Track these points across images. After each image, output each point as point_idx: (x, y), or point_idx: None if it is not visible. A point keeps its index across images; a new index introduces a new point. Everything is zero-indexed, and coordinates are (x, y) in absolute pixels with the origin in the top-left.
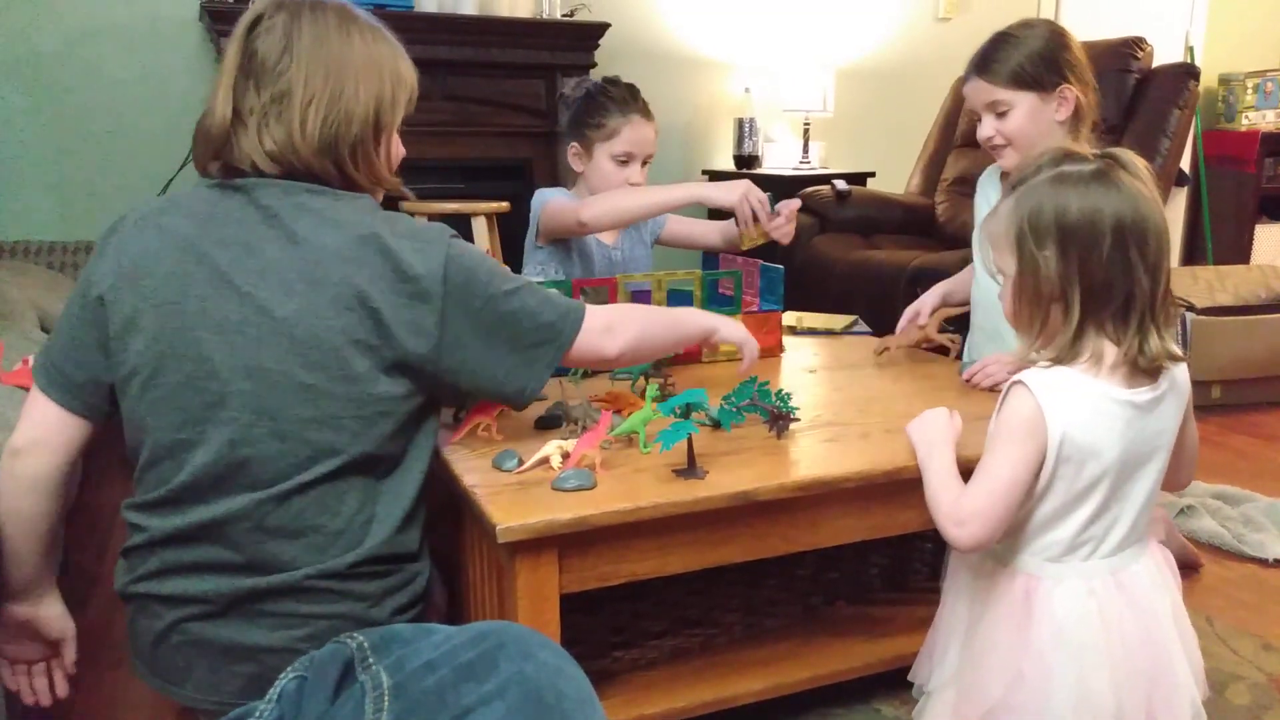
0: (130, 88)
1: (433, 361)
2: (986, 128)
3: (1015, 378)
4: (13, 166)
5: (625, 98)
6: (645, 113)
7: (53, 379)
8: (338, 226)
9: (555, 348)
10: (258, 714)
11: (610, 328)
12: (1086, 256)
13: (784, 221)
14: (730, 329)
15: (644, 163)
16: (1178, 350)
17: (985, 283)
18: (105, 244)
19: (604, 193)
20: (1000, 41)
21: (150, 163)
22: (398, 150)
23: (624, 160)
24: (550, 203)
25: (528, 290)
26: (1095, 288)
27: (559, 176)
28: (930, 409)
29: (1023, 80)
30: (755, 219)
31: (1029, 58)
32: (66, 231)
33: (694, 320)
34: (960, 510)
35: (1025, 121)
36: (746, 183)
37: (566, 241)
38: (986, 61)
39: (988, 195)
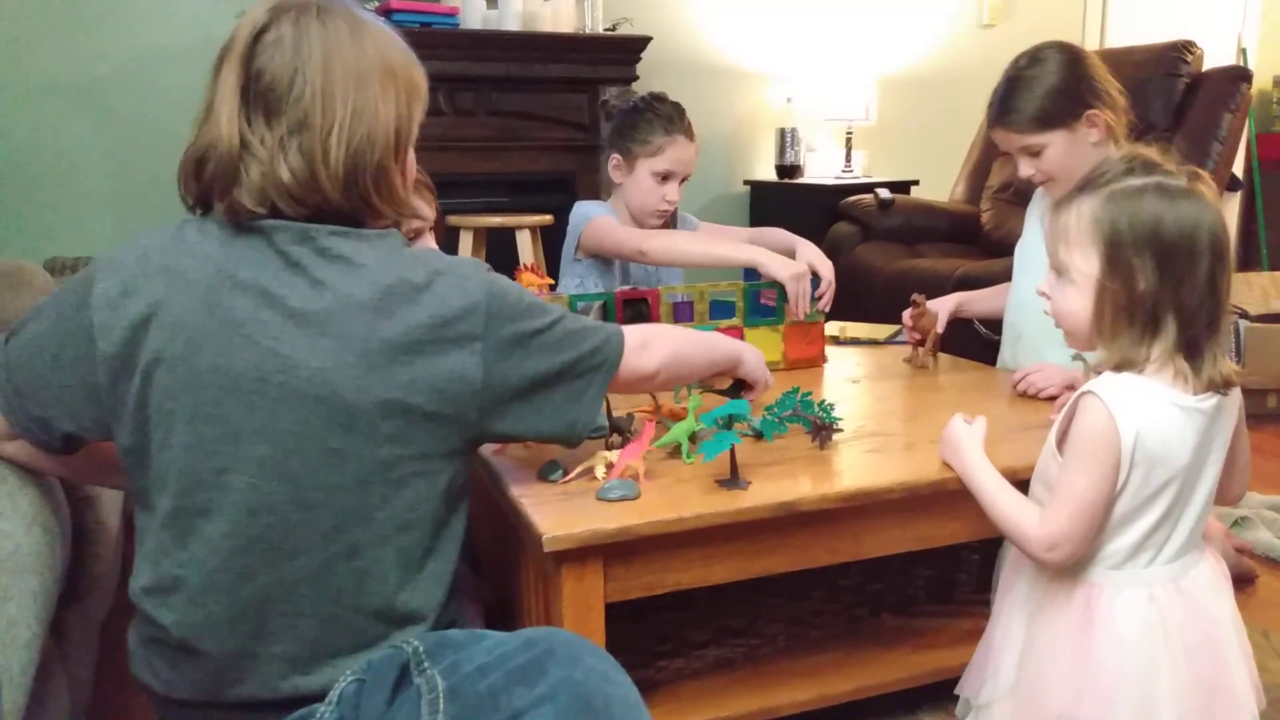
0: (187, 108)
1: (475, 408)
2: (1025, 168)
3: (1084, 388)
4: (74, 185)
5: (673, 116)
6: (689, 133)
7: (9, 405)
8: (365, 273)
9: (603, 374)
10: (318, 716)
11: (646, 344)
12: (1185, 275)
13: (823, 303)
14: (753, 362)
15: (682, 181)
16: (1236, 372)
17: (1026, 294)
18: (105, 284)
19: (673, 231)
20: (1014, 86)
21: None
22: (412, 169)
23: (664, 177)
24: (598, 221)
25: (569, 319)
26: (1191, 306)
27: (601, 189)
28: (949, 425)
29: (1047, 121)
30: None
31: (1048, 97)
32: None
33: (723, 344)
34: (1050, 535)
35: (1061, 157)
36: (805, 267)
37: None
38: (1005, 110)
39: (1040, 213)
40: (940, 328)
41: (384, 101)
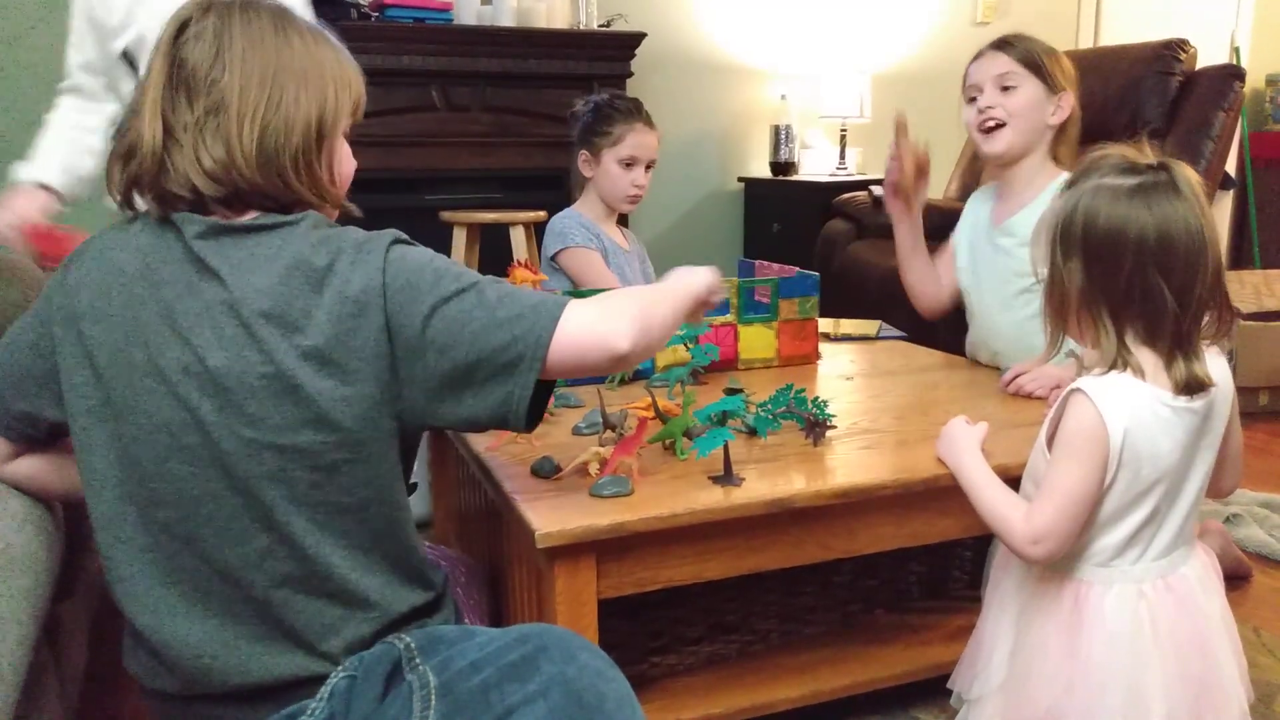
0: None
1: (391, 388)
2: (986, 98)
3: (1072, 385)
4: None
5: (630, 108)
6: (648, 121)
7: None
8: (266, 261)
9: (531, 357)
10: (310, 711)
11: (605, 315)
12: (1107, 274)
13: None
14: (711, 278)
15: (647, 167)
16: (1210, 379)
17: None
18: (63, 275)
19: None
20: (1021, 34)
21: None
22: (348, 164)
23: (629, 164)
24: (580, 256)
25: (488, 285)
26: (1118, 305)
27: (574, 188)
28: (948, 423)
29: (1037, 65)
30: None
31: (1047, 53)
32: None
33: (683, 286)
34: (1034, 530)
35: (1027, 104)
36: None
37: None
38: (1007, 41)
39: (976, 212)
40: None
41: (304, 93)
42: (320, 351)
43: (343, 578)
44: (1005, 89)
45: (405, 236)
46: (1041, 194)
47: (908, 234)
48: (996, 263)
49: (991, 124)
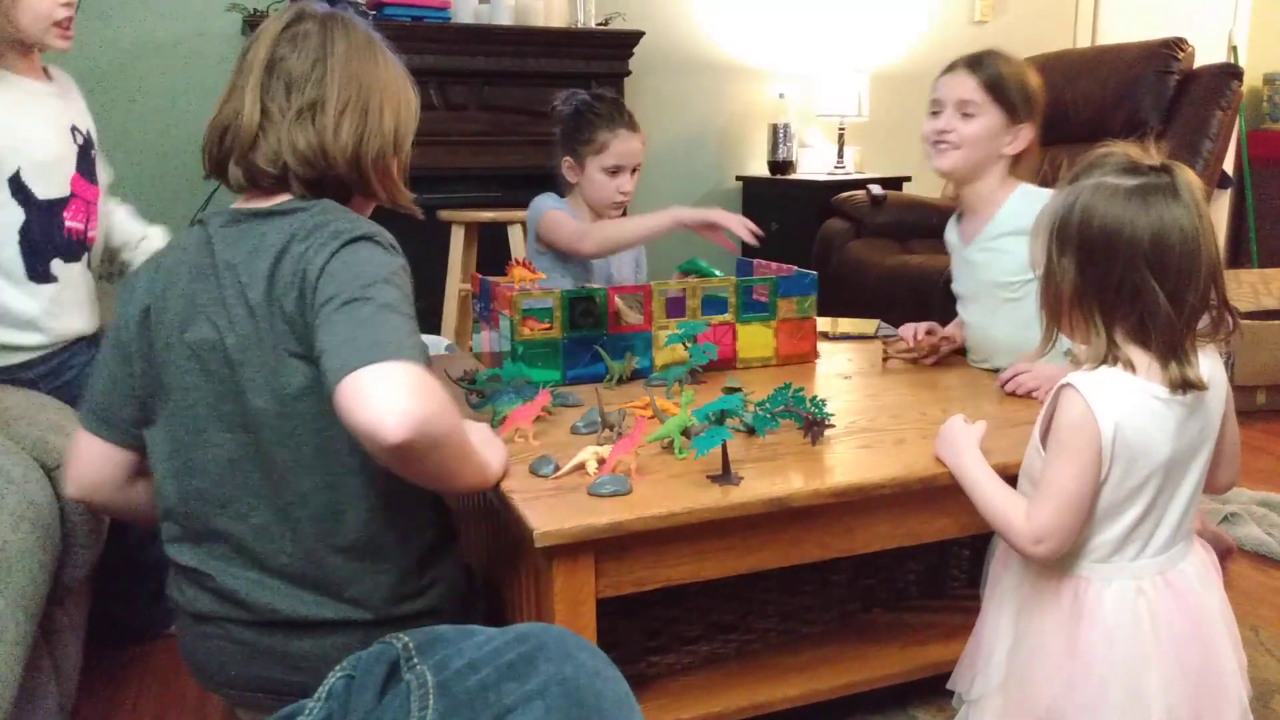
0: (177, 102)
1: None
2: (944, 121)
3: (1063, 381)
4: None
5: (612, 113)
6: (631, 125)
7: (101, 418)
8: (270, 246)
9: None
10: (307, 711)
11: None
12: (1100, 272)
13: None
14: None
15: (632, 171)
16: (1203, 382)
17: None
18: (128, 286)
19: (604, 223)
20: (997, 55)
21: (192, 177)
22: (404, 169)
23: (613, 171)
24: (548, 216)
25: (377, 310)
26: (1109, 304)
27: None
28: (947, 422)
29: (1002, 96)
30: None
31: (1016, 81)
32: None
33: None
34: (1036, 529)
35: (983, 132)
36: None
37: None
38: (980, 62)
39: (950, 241)
40: (911, 344)
41: (389, 105)
42: (293, 320)
43: (357, 532)
44: (965, 115)
45: (380, 238)
46: (1004, 206)
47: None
48: (976, 277)
49: (944, 145)
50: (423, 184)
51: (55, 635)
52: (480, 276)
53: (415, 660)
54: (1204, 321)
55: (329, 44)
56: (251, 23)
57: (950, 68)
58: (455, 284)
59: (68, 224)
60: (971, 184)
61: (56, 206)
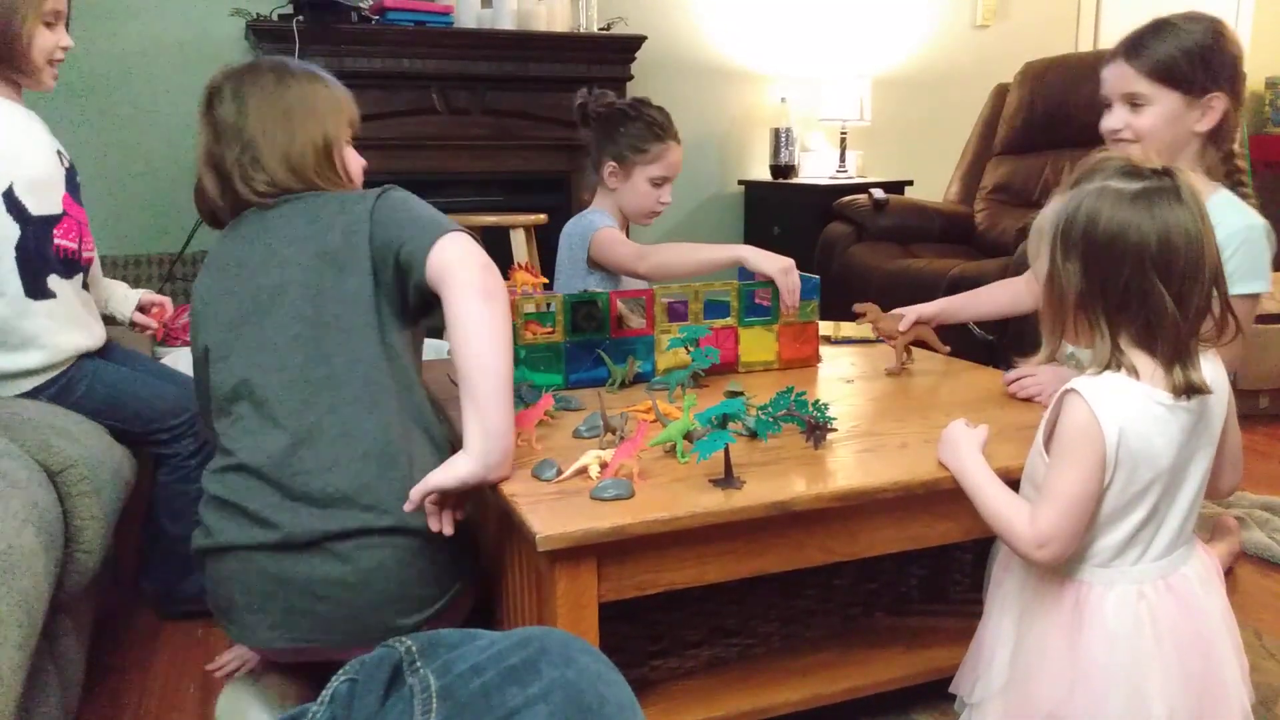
0: (180, 106)
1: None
2: (1115, 119)
3: (1067, 385)
4: None
5: (664, 122)
6: (677, 137)
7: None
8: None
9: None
10: (311, 715)
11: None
12: (1106, 277)
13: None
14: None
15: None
16: (1207, 385)
17: None
18: (197, 292)
19: (661, 247)
20: (1158, 28)
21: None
22: (355, 163)
23: (660, 182)
24: (604, 234)
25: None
26: (1115, 308)
27: (586, 190)
28: (949, 426)
29: (1170, 76)
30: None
31: (1185, 53)
32: (117, 246)
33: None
34: (1039, 533)
35: (1161, 121)
36: (790, 261)
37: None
38: (1137, 46)
39: None
40: (903, 327)
41: (309, 122)
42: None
43: (373, 439)
44: (1135, 106)
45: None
46: None
47: (956, 317)
48: None
49: (1121, 144)
50: (425, 188)
51: (58, 639)
52: None
53: (418, 664)
54: (1206, 325)
55: (242, 95)
56: (254, 27)
57: (1110, 56)
58: None
59: (58, 241)
60: None
61: (49, 223)
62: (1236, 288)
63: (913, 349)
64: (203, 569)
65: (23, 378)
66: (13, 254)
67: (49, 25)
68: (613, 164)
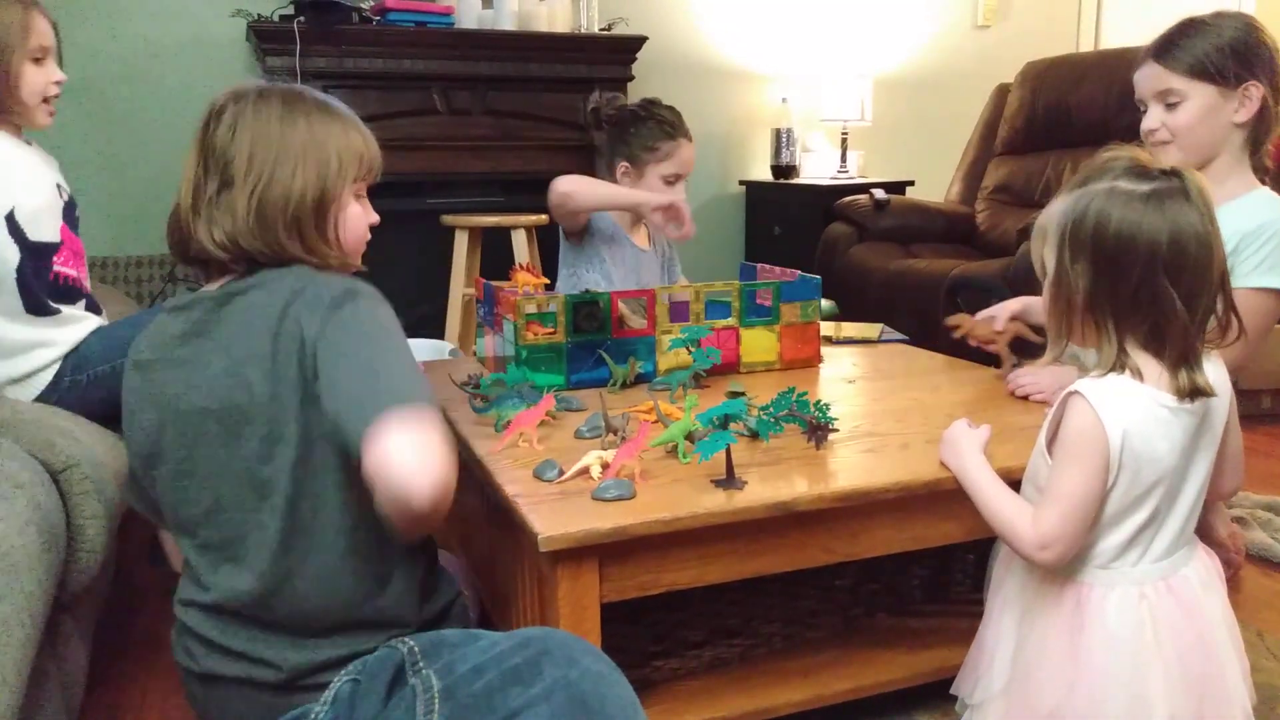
0: (181, 107)
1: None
2: (1151, 119)
3: (1071, 388)
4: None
5: (674, 121)
6: (689, 135)
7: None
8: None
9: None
10: (313, 716)
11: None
12: (1116, 279)
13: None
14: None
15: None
16: (1211, 388)
17: None
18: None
19: (589, 181)
20: (1187, 27)
21: None
22: (355, 226)
23: (673, 180)
24: (551, 193)
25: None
26: (1124, 310)
27: None
28: (950, 427)
29: (1203, 70)
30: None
31: (1215, 47)
32: (118, 247)
33: None
34: (1041, 535)
35: (1196, 117)
36: (670, 198)
37: (594, 242)
38: (1167, 46)
39: None
40: (999, 327)
41: (302, 167)
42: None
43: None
44: (1169, 104)
45: (357, 292)
46: (1231, 202)
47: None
48: None
49: (1159, 144)
50: (426, 189)
51: (61, 640)
52: (484, 281)
53: (421, 664)
54: (1210, 327)
55: (241, 122)
56: (256, 29)
57: (1141, 58)
58: (459, 289)
59: (57, 268)
60: (1208, 165)
61: (47, 251)
62: (1265, 279)
63: (911, 347)
64: None
65: (33, 378)
66: (14, 276)
67: (37, 62)
68: (625, 164)
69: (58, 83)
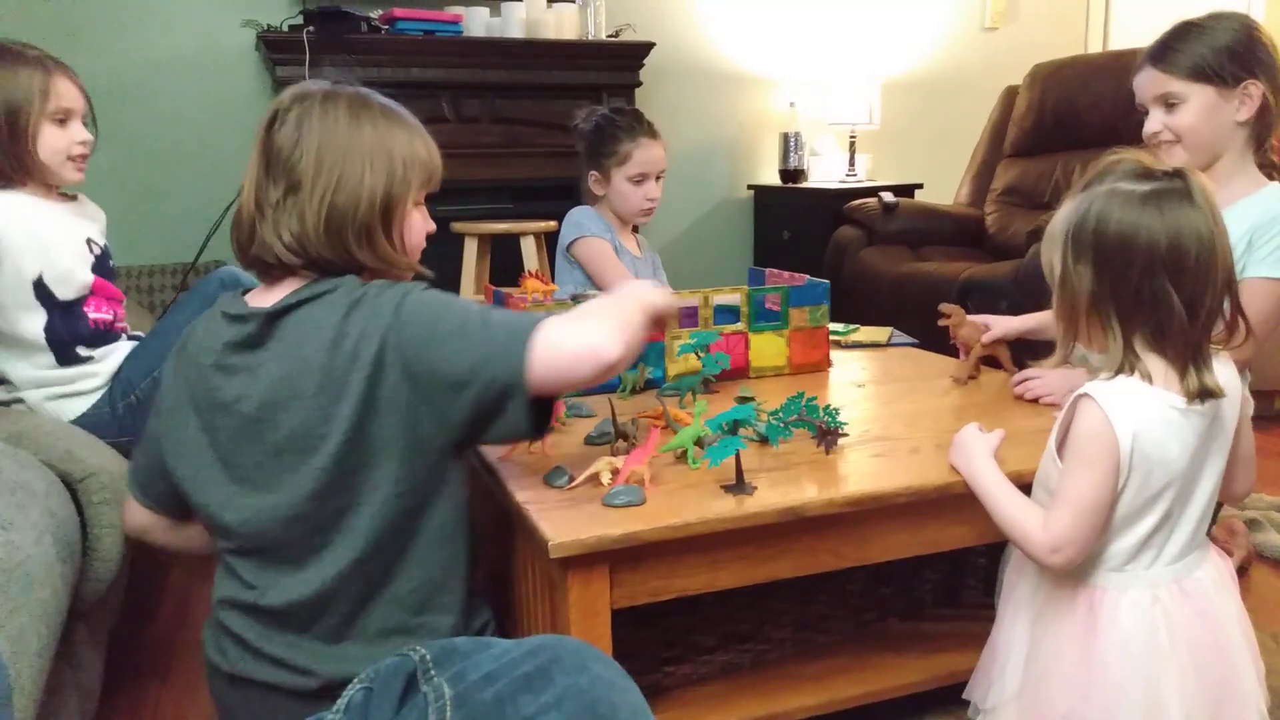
0: (191, 117)
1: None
2: (1154, 122)
3: (1080, 390)
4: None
5: (632, 123)
6: (652, 133)
7: (140, 488)
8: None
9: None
10: None
11: (589, 327)
12: (1117, 279)
13: None
14: (668, 297)
15: (657, 178)
16: (1220, 389)
17: None
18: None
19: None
20: (1183, 30)
21: (208, 189)
22: (418, 232)
23: (639, 180)
24: (592, 245)
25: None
26: (1126, 311)
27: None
28: (961, 430)
29: (1201, 72)
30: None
31: (1213, 50)
32: (128, 257)
33: (643, 300)
34: (1052, 538)
35: (1198, 118)
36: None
37: None
38: (1164, 50)
39: None
40: (986, 340)
41: (371, 170)
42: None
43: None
44: (1170, 106)
45: (415, 287)
46: (1241, 200)
47: (1044, 335)
48: None
49: (1163, 147)
50: (436, 196)
51: (76, 649)
52: (493, 288)
53: (433, 672)
54: (1217, 328)
55: (307, 125)
56: (265, 39)
57: (1139, 64)
58: (469, 295)
59: (91, 316)
60: (1214, 165)
61: (76, 305)
62: (1275, 270)
63: (920, 351)
64: None
65: (82, 397)
66: (43, 335)
67: (61, 123)
68: (595, 174)
69: (83, 143)
